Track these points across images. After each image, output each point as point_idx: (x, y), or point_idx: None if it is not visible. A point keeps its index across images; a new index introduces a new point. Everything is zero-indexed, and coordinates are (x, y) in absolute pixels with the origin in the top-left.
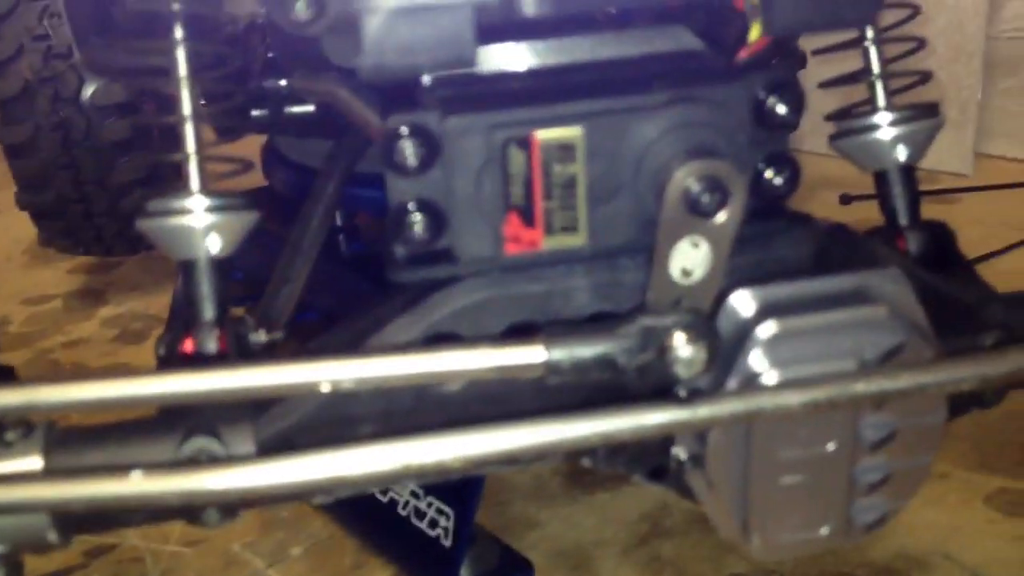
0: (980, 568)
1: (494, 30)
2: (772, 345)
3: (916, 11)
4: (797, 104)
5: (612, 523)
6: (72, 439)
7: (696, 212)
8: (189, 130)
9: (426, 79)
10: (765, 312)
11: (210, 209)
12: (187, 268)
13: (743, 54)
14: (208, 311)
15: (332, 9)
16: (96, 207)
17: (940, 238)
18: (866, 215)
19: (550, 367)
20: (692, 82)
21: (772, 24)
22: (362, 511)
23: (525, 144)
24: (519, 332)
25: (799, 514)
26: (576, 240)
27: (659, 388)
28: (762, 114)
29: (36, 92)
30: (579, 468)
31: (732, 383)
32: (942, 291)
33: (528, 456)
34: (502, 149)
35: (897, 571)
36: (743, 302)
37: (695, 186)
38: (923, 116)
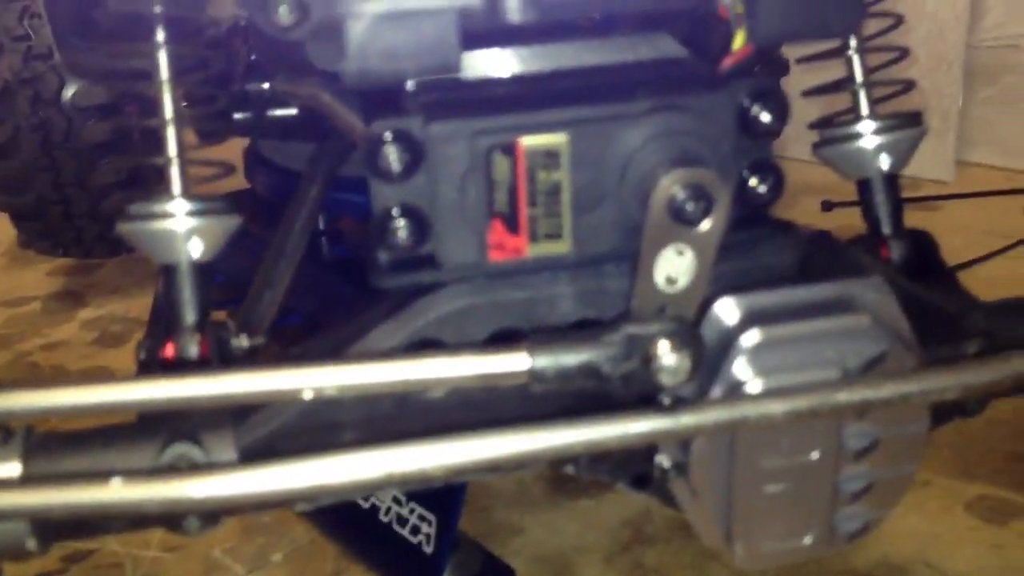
0: None
1: (479, 35)
2: (756, 353)
3: (899, 20)
4: (781, 112)
5: (594, 529)
6: (51, 445)
7: (681, 220)
8: (171, 134)
9: (410, 84)
10: (749, 320)
11: (192, 213)
12: (168, 272)
13: (727, 62)
14: (189, 316)
15: (315, 14)
16: (76, 209)
17: (923, 246)
18: (848, 221)
19: (534, 375)
20: (676, 90)
21: (756, 33)
22: (343, 517)
23: (510, 151)
24: (503, 339)
25: (782, 523)
26: (560, 247)
27: (643, 396)
28: (746, 122)
29: (16, 93)
30: (562, 474)
31: (716, 391)
32: (924, 299)
33: (511, 464)
34: (486, 155)
35: None
36: (727, 310)
37: (680, 194)
38: (906, 125)
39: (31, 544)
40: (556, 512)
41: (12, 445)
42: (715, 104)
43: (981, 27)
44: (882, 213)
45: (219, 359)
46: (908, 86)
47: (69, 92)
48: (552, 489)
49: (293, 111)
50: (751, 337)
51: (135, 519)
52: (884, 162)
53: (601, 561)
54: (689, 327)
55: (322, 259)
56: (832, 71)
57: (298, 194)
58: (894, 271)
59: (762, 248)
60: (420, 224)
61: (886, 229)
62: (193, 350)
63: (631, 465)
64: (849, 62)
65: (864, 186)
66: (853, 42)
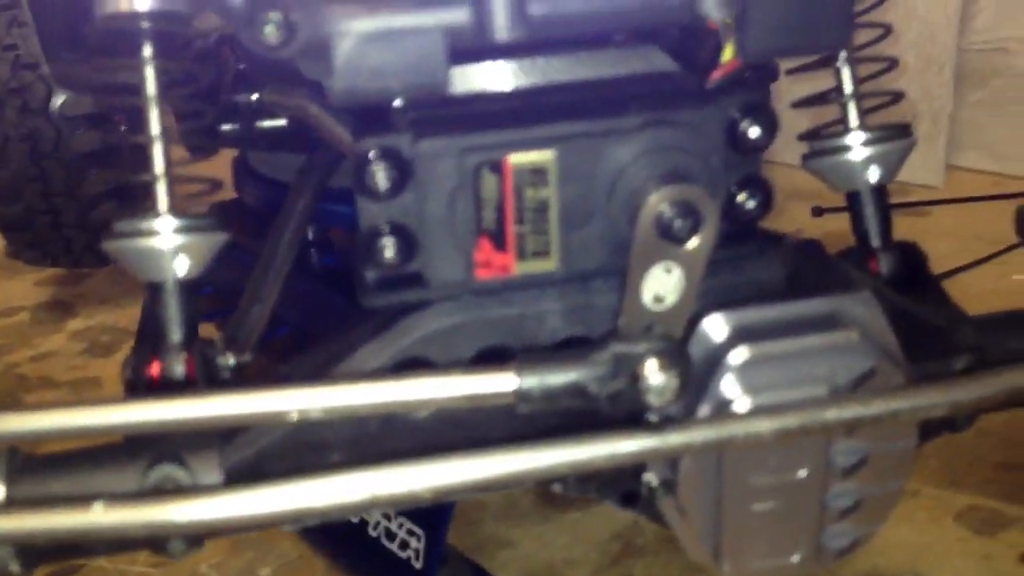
0: None
1: (468, 50)
2: (744, 371)
3: (888, 31)
4: (770, 127)
5: (584, 542)
6: (35, 467)
7: (669, 238)
8: (158, 150)
9: (398, 101)
10: (737, 337)
11: (178, 230)
12: (154, 290)
13: (716, 74)
14: (175, 334)
15: (302, 33)
16: (65, 219)
17: (911, 259)
18: (838, 227)
19: (521, 395)
20: (665, 105)
21: (745, 49)
22: (332, 532)
23: (497, 168)
24: (491, 357)
25: (770, 540)
26: (548, 265)
27: (631, 414)
28: (735, 137)
29: (4, 103)
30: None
31: (704, 409)
32: (913, 314)
33: (499, 485)
34: (474, 173)
35: None
36: (716, 326)
37: (668, 212)
38: (895, 137)
39: (14, 567)
40: (545, 525)
41: None
42: (704, 119)
43: (971, 30)
44: (871, 225)
45: (205, 378)
46: (897, 97)
47: (58, 102)
48: (541, 502)
49: (282, 122)
50: (739, 354)
51: (120, 541)
52: (873, 174)
53: (590, 574)
54: (677, 346)
55: (312, 270)
56: (822, 80)
57: (287, 206)
58: (883, 284)
59: (750, 264)
60: (408, 242)
61: (875, 241)
62: (179, 369)
63: (619, 483)
64: (838, 73)
65: (853, 198)
66: (842, 53)
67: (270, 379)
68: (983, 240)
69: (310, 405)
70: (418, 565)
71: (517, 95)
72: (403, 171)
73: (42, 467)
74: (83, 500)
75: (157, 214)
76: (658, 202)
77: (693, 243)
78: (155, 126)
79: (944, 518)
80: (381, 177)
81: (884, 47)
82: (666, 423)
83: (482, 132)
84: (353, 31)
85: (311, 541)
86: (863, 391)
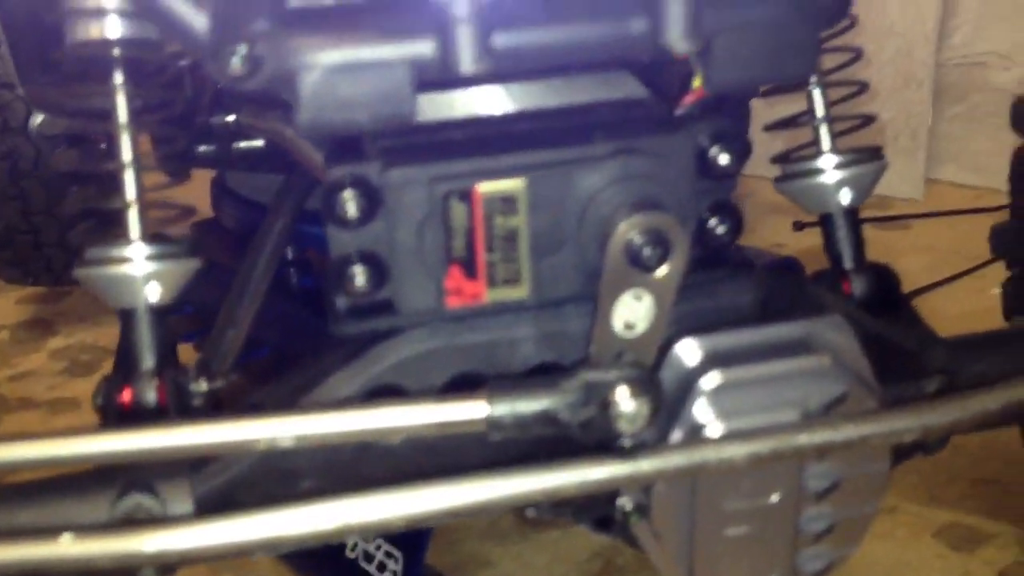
0: None
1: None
2: (716, 396)
3: (858, 55)
4: (740, 153)
5: (564, 561)
6: (3, 496)
7: (638, 266)
8: (129, 177)
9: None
10: (709, 362)
11: (150, 257)
12: (126, 317)
13: (688, 99)
14: (148, 361)
15: (268, 65)
16: (45, 237)
17: (884, 280)
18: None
19: (492, 423)
20: (634, 133)
21: (710, 81)
22: (310, 554)
23: (466, 197)
24: (463, 384)
25: (745, 564)
26: (519, 292)
27: (603, 441)
28: (705, 164)
29: None
30: None
31: (677, 434)
32: (885, 336)
33: (471, 512)
34: (443, 202)
35: None
36: (688, 351)
37: (637, 239)
38: (867, 159)
39: None
40: (525, 544)
41: None
42: (674, 147)
43: (949, 46)
44: (843, 247)
45: (177, 405)
46: (868, 120)
47: (36, 120)
48: (521, 521)
49: (259, 143)
50: (711, 379)
51: (89, 574)
52: (845, 196)
53: None
54: (647, 373)
55: (290, 290)
56: (799, 102)
57: (263, 228)
58: (855, 306)
59: (722, 288)
60: (378, 270)
61: (848, 263)
62: (151, 396)
63: (594, 507)
64: (810, 97)
65: (826, 220)
66: (813, 77)
67: (241, 408)
68: (961, 255)
69: (281, 434)
70: None
71: (487, 123)
72: (373, 199)
73: (8, 497)
74: (51, 531)
75: (129, 241)
76: (627, 230)
77: (663, 271)
78: (127, 152)
79: (923, 535)
80: (351, 205)
81: (863, 62)
82: (638, 449)
83: (451, 161)
84: (319, 64)
85: (289, 562)
86: (835, 416)
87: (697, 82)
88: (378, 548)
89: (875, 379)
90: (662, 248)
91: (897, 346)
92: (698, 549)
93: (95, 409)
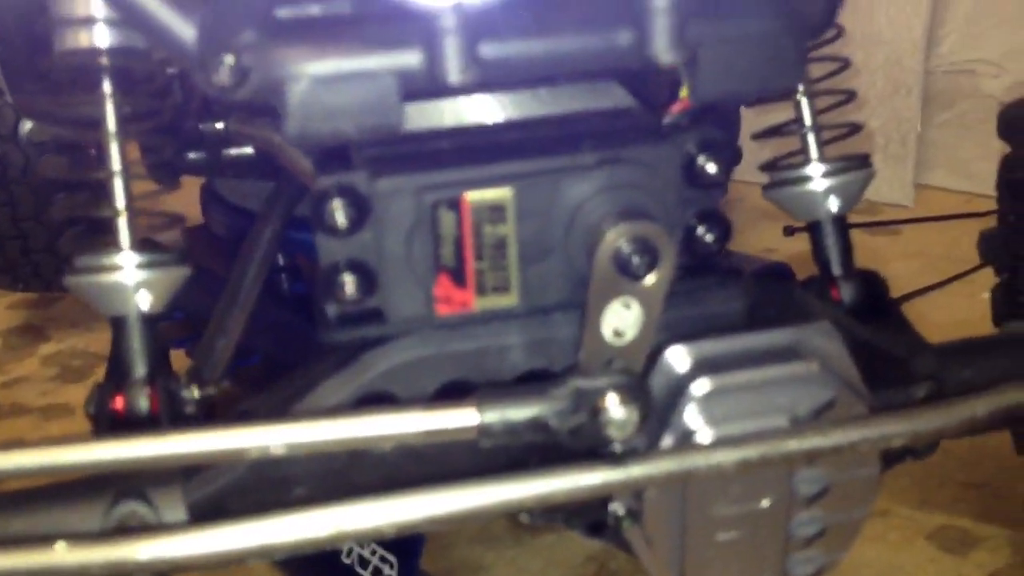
0: None
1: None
2: (706, 402)
3: (846, 65)
4: (728, 162)
5: (558, 566)
6: None
7: (626, 274)
8: (118, 185)
9: None
10: (699, 368)
11: (140, 265)
12: (118, 325)
13: (676, 108)
14: (139, 369)
15: (255, 76)
16: (34, 243)
17: (873, 287)
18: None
19: (482, 430)
20: (622, 142)
21: (696, 92)
22: (305, 559)
23: (455, 205)
24: (453, 392)
25: (736, 569)
26: (508, 300)
27: (593, 447)
28: (693, 173)
29: None
30: None
31: (667, 440)
32: (874, 343)
33: (463, 519)
34: (432, 210)
35: None
36: (678, 358)
37: (625, 248)
38: (855, 167)
39: None
40: (519, 548)
41: None
42: (662, 156)
43: (938, 54)
44: (832, 255)
45: (169, 412)
46: (855, 129)
47: (26, 127)
48: (514, 525)
49: (248, 150)
50: (701, 386)
51: None
52: (833, 204)
53: None
54: (637, 379)
55: (282, 297)
56: (786, 110)
57: (253, 235)
58: (844, 314)
59: (711, 296)
60: (367, 278)
61: (836, 270)
62: (143, 404)
63: (586, 512)
64: (797, 106)
65: (814, 228)
66: (800, 87)
67: (232, 416)
68: (950, 259)
69: (273, 442)
70: None
71: (475, 132)
72: (361, 208)
73: (2, 505)
74: (45, 540)
75: (118, 249)
76: (615, 239)
77: (651, 279)
78: (115, 161)
79: (915, 538)
80: (339, 214)
81: (853, 70)
82: (629, 455)
83: (439, 170)
84: (306, 74)
85: (285, 569)
86: (823, 421)
87: (684, 92)
88: (373, 553)
89: (864, 385)
90: (650, 256)
91: (886, 352)
92: (689, 554)
93: (87, 417)
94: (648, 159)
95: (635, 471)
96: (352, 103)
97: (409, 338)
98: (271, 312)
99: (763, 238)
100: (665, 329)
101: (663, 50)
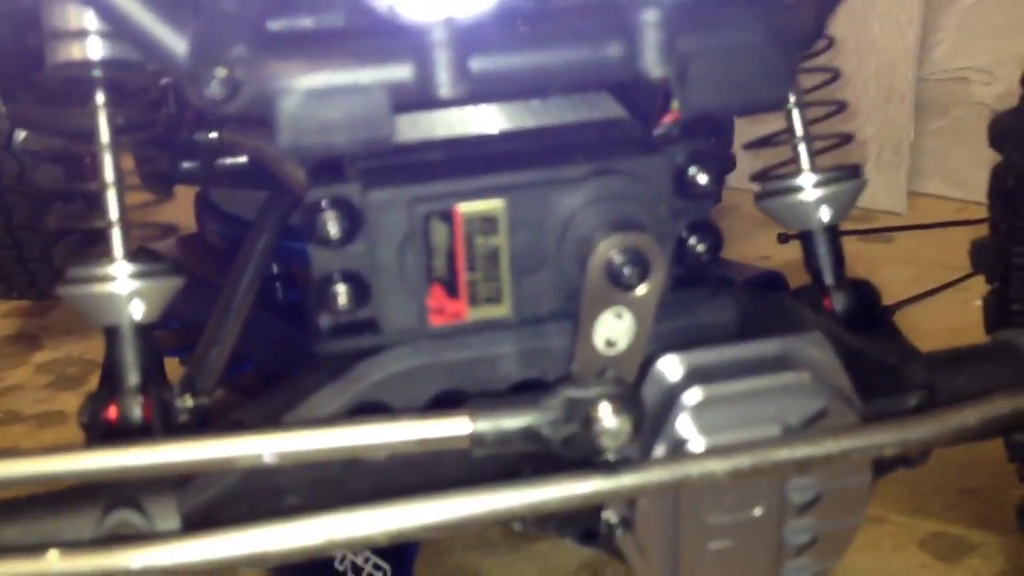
0: None
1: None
2: (698, 412)
3: (836, 76)
4: (719, 173)
5: (553, 572)
6: None
7: (618, 284)
8: (112, 197)
9: None
10: (691, 378)
11: (133, 275)
12: (111, 334)
13: (667, 118)
14: (132, 378)
15: (247, 89)
16: (29, 252)
17: (865, 296)
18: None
19: (475, 439)
20: (613, 153)
21: (687, 105)
22: (299, 566)
23: (447, 217)
24: (446, 402)
25: None
26: (500, 311)
27: (586, 457)
28: (684, 185)
29: None
30: None
31: (659, 450)
32: (865, 352)
33: (456, 528)
34: (424, 222)
35: None
36: (670, 367)
37: (617, 259)
38: (846, 177)
39: None
40: (514, 555)
41: None
42: (653, 167)
43: (931, 61)
44: (824, 264)
45: (163, 421)
46: (846, 139)
47: (20, 136)
48: (510, 532)
49: (242, 159)
50: (693, 395)
51: None
52: (825, 214)
53: None
54: (629, 389)
55: (276, 304)
56: (779, 119)
57: (247, 244)
58: (836, 323)
59: (703, 306)
60: (360, 289)
61: (828, 280)
62: (136, 413)
63: (578, 520)
64: (789, 116)
65: (806, 237)
66: (792, 97)
67: (226, 425)
68: (944, 267)
69: (266, 451)
70: None
71: (467, 143)
72: (354, 220)
73: None
74: (37, 548)
75: (112, 259)
76: (607, 249)
77: (642, 289)
78: (109, 173)
79: (909, 545)
80: (332, 226)
81: (846, 78)
82: (621, 464)
83: (431, 182)
84: (297, 88)
85: (277, 574)
86: (814, 431)
87: (675, 103)
88: (366, 560)
89: (855, 394)
90: (641, 267)
91: (878, 361)
92: (682, 562)
93: (80, 426)
94: (639, 170)
95: (628, 480)
96: (344, 116)
97: (402, 348)
98: (265, 321)
99: (758, 245)
100: (657, 339)
101: (653, 64)
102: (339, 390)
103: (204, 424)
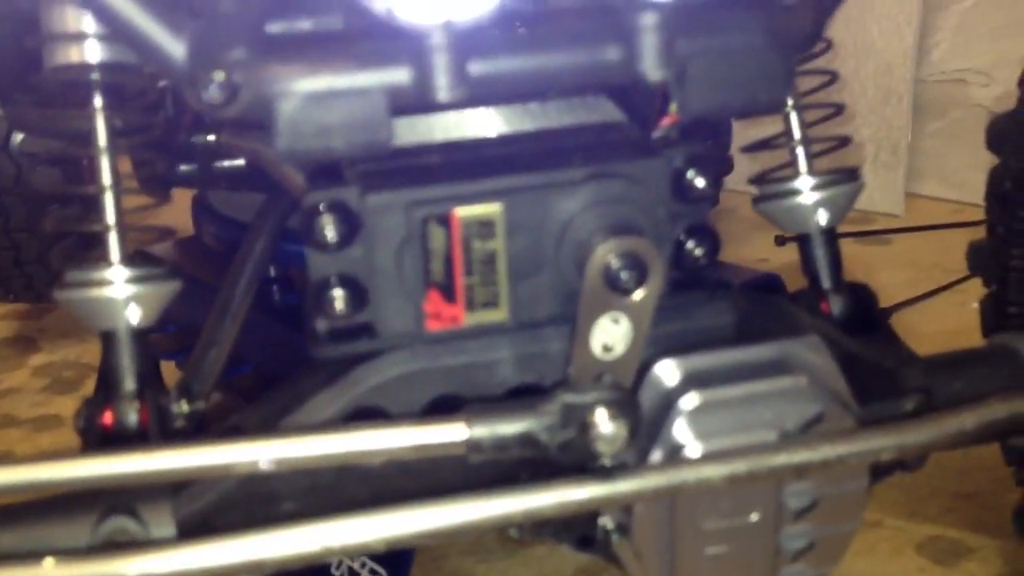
0: None
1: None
2: (695, 416)
3: (834, 78)
4: (717, 177)
5: None
6: None
7: (616, 289)
8: (108, 200)
9: None
10: (688, 383)
11: (130, 280)
12: (107, 339)
13: (666, 121)
14: (128, 383)
15: (245, 93)
16: (26, 254)
17: (862, 299)
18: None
19: (472, 445)
20: (611, 157)
21: (685, 108)
22: (295, 572)
23: (445, 221)
24: (443, 407)
25: None
26: (498, 315)
27: (582, 462)
28: (682, 188)
29: None
30: None
31: (656, 455)
32: (863, 356)
33: (453, 533)
34: (422, 226)
35: None
36: (667, 372)
37: (614, 263)
38: (843, 180)
39: None
40: (511, 560)
41: None
42: (651, 170)
43: (928, 63)
44: (821, 267)
45: (159, 426)
46: (844, 141)
47: (18, 138)
48: (506, 537)
49: (240, 162)
50: (690, 400)
51: None
52: (822, 217)
53: None
54: (626, 394)
55: (273, 307)
56: (777, 122)
57: (245, 247)
58: (833, 326)
59: (700, 310)
60: (357, 293)
61: (826, 283)
62: (132, 418)
63: (575, 526)
64: (787, 119)
65: (803, 240)
66: (790, 100)
67: (221, 431)
68: (942, 268)
69: (261, 457)
70: None
71: (465, 147)
72: (352, 224)
73: None
74: (33, 556)
75: (108, 264)
76: (605, 254)
77: (640, 294)
78: (106, 176)
79: (906, 549)
80: (330, 230)
81: (844, 80)
82: (618, 470)
83: (429, 186)
84: (296, 92)
85: None
86: (811, 435)
87: (674, 106)
88: (363, 566)
89: (852, 399)
90: (639, 271)
91: (875, 365)
92: (679, 568)
93: (76, 432)
94: (637, 174)
95: (624, 486)
96: (342, 120)
97: (399, 353)
98: (263, 324)
99: (756, 247)
100: (654, 343)
101: (652, 67)
102: (336, 395)
103: (201, 429)
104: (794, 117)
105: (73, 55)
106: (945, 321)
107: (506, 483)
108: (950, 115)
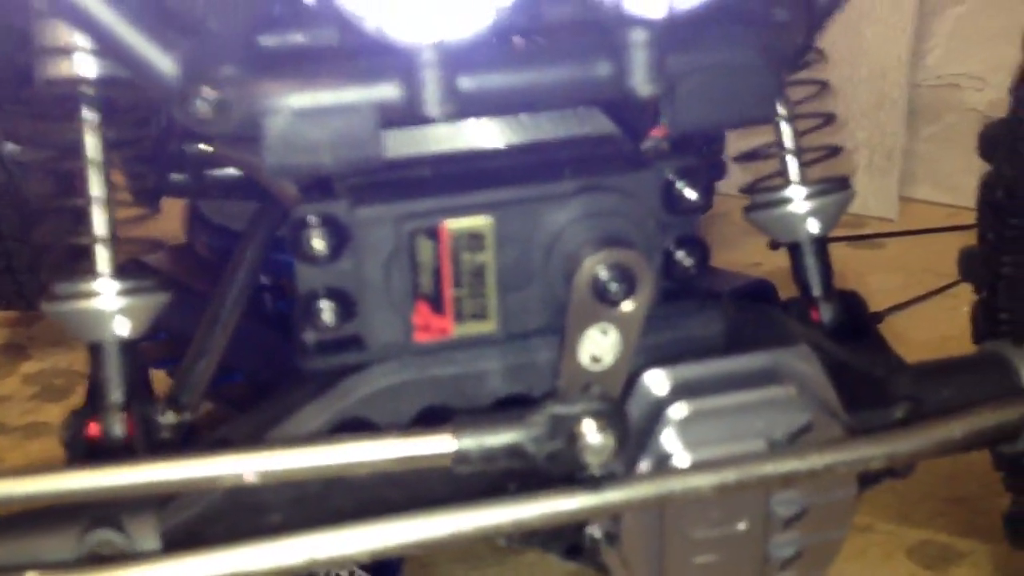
0: None
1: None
2: (683, 426)
3: (824, 88)
4: (707, 188)
5: None
6: None
7: (604, 300)
8: (98, 212)
9: None
10: (677, 392)
11: (119, 292)
12: (95, 351)
13: (657, 132)
14: (116, 395)
15: (235, 110)
16: (17, 263)
17: (852, 307)
18: None
19: (459, 457)
20: (601, 170)
21: (675, 123)
22: None
23: (434, 234)
24: (432, 418)
25: None
26: (486, 327)
27: (570, 473)
28: (672, 200)
29: None
30: None
31: (644, 464)
32: (852, 364)
33: (440, 545)
34: (411, 239)
35: None
36: (656, 381)
37: (603, 275)
38: (834, 189)
39: None
40: (500, 567)
41: None
42: (641, 183)
43: (923, 67)
44: (812, 276)
45: (146, 438)
46: (835, 151)
47: (9, 147)
48: (497, 544)
49: (232, 171)
50: (679, 410)
51: None
52: (813, 226)
53: None
54: (614, 405)
55: (264, 315)
56: (769, 131)
57: (236, 257)
58: (823, 335)
59: (690, 320)
60: (346, 306)
61: (816, 291)
62: (119, 430)
63: (563, 536)
64: (777, 128)
65: (794, 249)
66: (781, 109)
67: (208, 443)
68: (934, 272)
69: (246, 470)
70: None
71: (454, 159)
72: (341, 236)
73: None
74: (17, 568)
75: (97, 275)
76: (593, 265)
77: (628, 305)
78: (96, 189)
79: (896, 553)
80: (319, 242)
81: (838, 84)
82: (606, 480)
83: (418, 199)
84: (285, 108)
85: None
86: (800, 445)
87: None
88: (351, 574)
89: (842, 407)
90: (628, 283)
91: (864, 373)
92: None
93: (62, 443)
94: (627, 186)
95: (612, 496)
96: (332, 136)
97: (387, 364)
98: (254, 331)
99: (749, 251)
100: (643, 353)
101: (642, 83)
102: (324, 406)
103: (189, 439)
104: (785, 127)
105: (64, 69)
106: (937, 325)
107: (494, 493)
108: (944, 120)
